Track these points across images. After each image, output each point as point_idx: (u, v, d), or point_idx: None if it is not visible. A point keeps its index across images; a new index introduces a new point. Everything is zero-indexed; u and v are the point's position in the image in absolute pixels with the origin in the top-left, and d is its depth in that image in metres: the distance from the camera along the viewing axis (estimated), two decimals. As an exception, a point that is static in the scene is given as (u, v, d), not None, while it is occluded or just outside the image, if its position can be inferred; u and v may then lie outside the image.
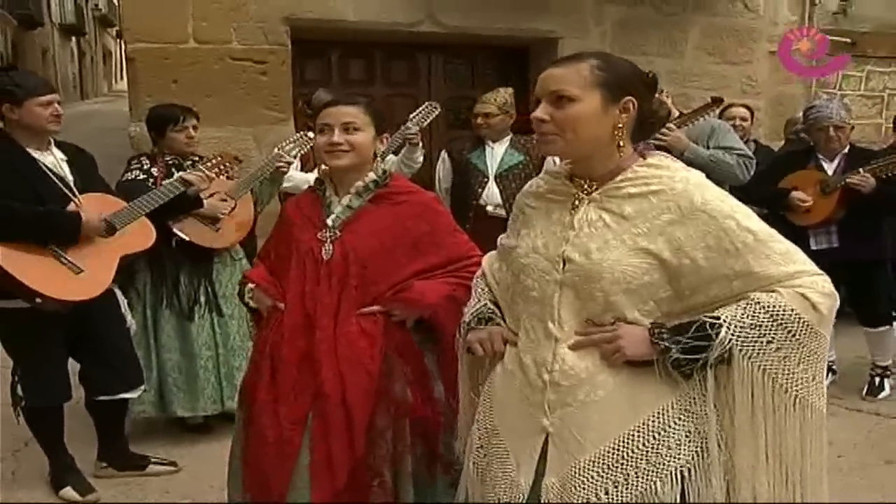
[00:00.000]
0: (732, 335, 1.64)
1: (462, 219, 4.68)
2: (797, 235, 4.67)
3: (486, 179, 4.78)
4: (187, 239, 4.04)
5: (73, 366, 3.60)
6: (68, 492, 3.57)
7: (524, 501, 1.83)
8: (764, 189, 4.87)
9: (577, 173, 1.86)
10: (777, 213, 4.94)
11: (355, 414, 2.32)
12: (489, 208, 4.76)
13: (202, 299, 4.15)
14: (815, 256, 4.53)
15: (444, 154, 5.10)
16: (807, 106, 5.34)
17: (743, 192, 4.70)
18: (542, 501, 1.80)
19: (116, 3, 32.46)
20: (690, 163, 4.23)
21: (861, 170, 4.57)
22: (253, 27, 5.60)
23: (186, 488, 3.70)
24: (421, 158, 4.77)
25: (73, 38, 30.43)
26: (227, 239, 4.19)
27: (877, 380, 4.92)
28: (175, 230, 3.99)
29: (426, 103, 4.65)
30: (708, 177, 4.72)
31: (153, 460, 3.86)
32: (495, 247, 2.11)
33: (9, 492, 3.68)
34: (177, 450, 4.07)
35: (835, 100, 5.21)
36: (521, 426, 1.86)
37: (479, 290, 2.11)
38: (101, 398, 3.61)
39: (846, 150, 4.82)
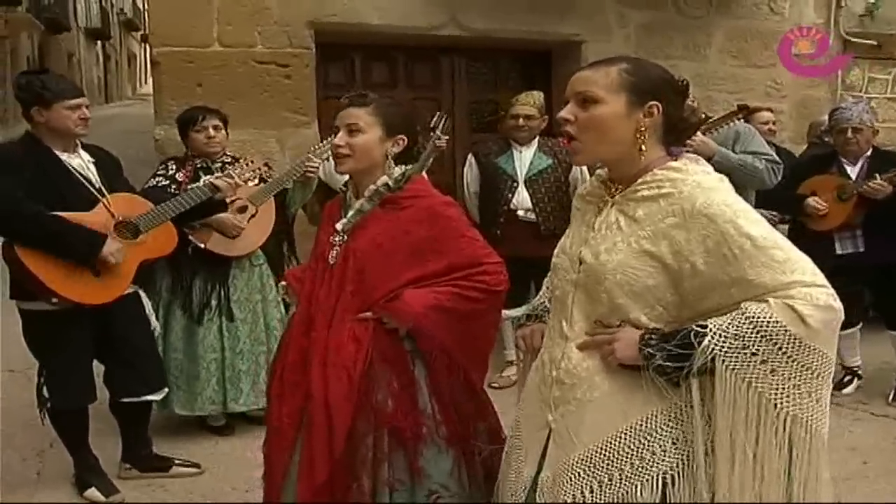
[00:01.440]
0: (715, 345, 1.61)
1: (492, 223, 4.68)
2: (821, 240, 4.67)
3: (515, 184, 4.76)
4: (203, 247, 4.08)
5: (97, 367, 3.63)
6: (92, 493, 3.60)
7: (525, 493, 1.89)
8: (783, 193, 4.85)
9: (610, 176, 1.88)
10: (795, 218, 4.94)
11: (335, 417, 2.32)
12: (520, 213, 4.74)
13: (213, 303, 4.19)
14: (840, 261, 4.50)
15: (470, 158, 5.08)
16: (832, 108, 5.31)
17: (765, 197, 4.70)
18: (537, 494, 1.85)
19: (141, 8, 32.88)
20: (719, 167, 4.24)
21: (878, 176, 4.54)
22: (277, 31, 5.62)
23: (209, 490, 3.72)
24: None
25: (99, 42, 30.78)
26: (244, 246, 4.22)
27: (903, 385, 4.87)
28: (191, 238, 4.02)
29: (436, 115, 4.62)
30: (736, 181, 4.72)
31: (176, 462, 3.88)
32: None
33: (33, 492, 3.71)
34: (200, 451, 4.10)
35: (861, 103, 5.16)
36: (534, 420, 1.92)
37: (545, 288, 2.17)
38: (125, 400, 3.64)
39: (869, 154, 4.79)
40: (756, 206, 4.99)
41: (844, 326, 5.03)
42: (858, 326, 4.89)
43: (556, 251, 1.95)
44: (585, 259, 1.80)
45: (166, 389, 3.84)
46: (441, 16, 5.97)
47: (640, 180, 1.78)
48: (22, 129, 3.53)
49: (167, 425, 4.31)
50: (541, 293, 2.17)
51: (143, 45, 36.35)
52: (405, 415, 2.37)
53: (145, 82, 36.45)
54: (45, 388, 3.51)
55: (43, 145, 3.37)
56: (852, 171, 4.78)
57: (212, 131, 4.21)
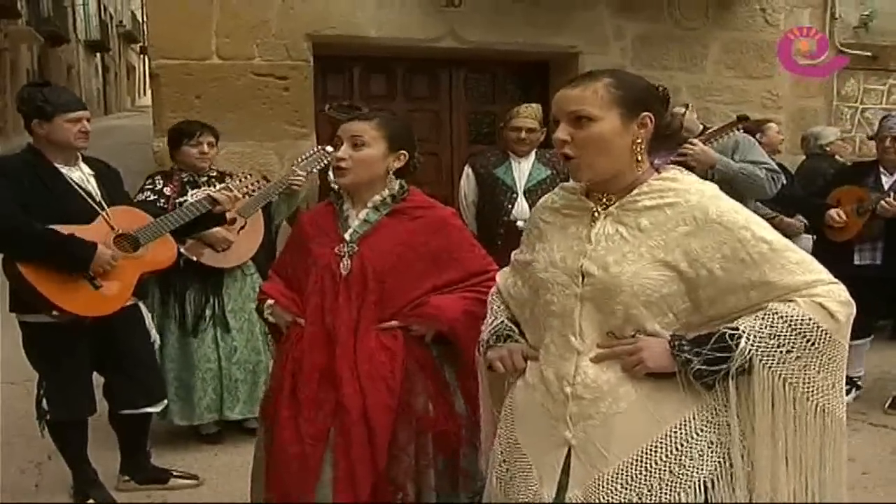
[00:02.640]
0: (752, 345, 1.66)
1: (492, 234, 4.69)
2: (841, 249, 4.68)
3: (515, 195, 4.76)
4: (195, 259, 4.10)
5: (97, 379, 3.63)
6: (91, 504, 3.59)
7: None
8: (812, 200, 4.90)
9: (594, 188, 1.88)
10: (815, 225, 4.98)
11: (376, 429, 2.32)
12: (519, 223, 4.72)
13: (207, 314, 4.21)
14: (857, 271, 4.49)
15: (467, 169, 5.08)
16: (882, 116, 5.32)
17: (792, 201, 4.75)
18: None
19: (141, 20, 32.99)
20: (721, 176, 4.26)
21: (893, 193, 4.56)
22: (275, 43, 5.65)
23: (208, 501, 3.70)
24: None
25: (98, 55, 30.86)
26: (236, 258, 4.24)
27: (902, 394, 4.89)
28: (182, 251, 4.02)
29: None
30: (737, 190, 4.69)
31: (175, 474, 3.88)
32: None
33: (32, 504, 3.71)
34: (198, 463, 4.09)
35: None
36: (543, 440, 1.87)
37: (496, 307, 2.14)
38: (125, 412, 3.64)
39: None
40: (779, 212, 5.10)
41: (857, 337, 5.02)
42: (870, 338, 4.88)
43: (539, 266, 1.92)
44: (591, 272, 1.78)
45: (166, 401, 3.84)
46: (439, 28, 6.01)
47: (636, 191, 1.79)
48: (22, 140, 3.54)
49: (166, 437, 4.31)
50: (494, 314, 2.12)
51: (142, 57, 36.42)
52: (446, 419, 2.41)
53: (144, 94, 36.50)
54: (44, 400, 3.50)
55: (43, 158, 3.38)
56: (887, 182, 4.78)
57: (206, 147, 4.25)
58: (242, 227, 4.22)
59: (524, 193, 4.76)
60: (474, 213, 4.99)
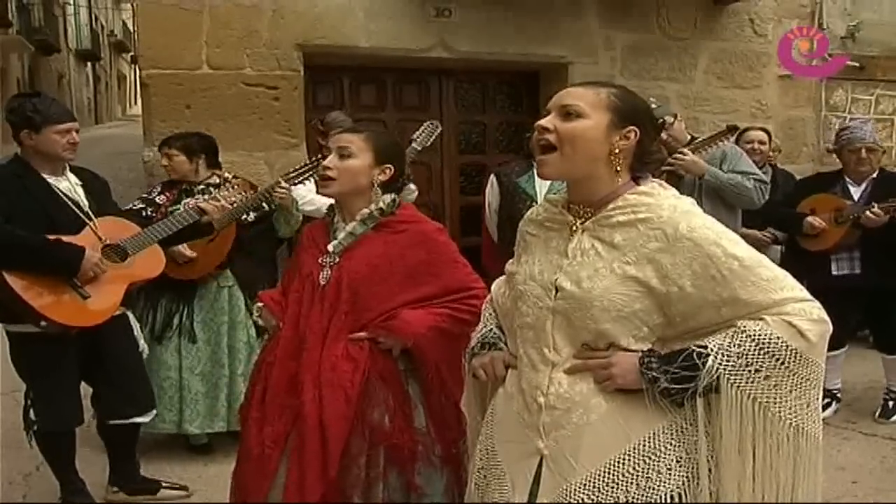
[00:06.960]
0: (719, 364, 1.65)
1: (511, 242, 4.68)
2: (818, 260, 4.68)
3: (534, 204, 4.76)
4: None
5: (85, 389, 3.62)
6: (79, 516, 3.57)
7: None
8: (783, 210, 4.89)
9: (573, 199, 1.89)
10: (790, 235, 4.95)
11: (330, 438, 2.33)
12: None
13: (175, 322, 4.21)
14: (835, 281, 4.50)
15: (492, 178, 5.08)
16: (840, 127, 5.31)
17: (763, 212, 4.73)
18: None
19: (132, 30, 32.92)
20: (710, 186, 4.27)
21: (875, 205, 4.54)
22: (266, 53, 5.65)
23: (197, 512, 3.70)
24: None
25: (89, 64, 30.85)
26: (200, 269, 4.22)
27: (890, 403, 4.89)
28: None
29: (427, 123, 4.62)
30: (726, 200, 4.66)
31: (164, 484, 3.86)
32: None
33: (20, 515, 3.69)
34: (188, 473, 4.08)
35: (869, 122, 5.19)
36: (518, 448, 1.88)
37: (487, 314, 2.15)
38: (113, 422, 3.63)
39: (874, 175, 4.79)
40: (755, 224, 5.04)
41: (832, 348, 4.98)
42: (845, 349, 4.87)
43: (520, 278, 1.93)
44: (564, 286, 1.79)
45: (154, 411, 3.82)
46: (429, 38, 6.02)
47: (612, 205, 1.80)
48: (10, 150, 3.53)
49: (155, 447, 4.29)
50: (485, 321, 2.14)
51: (132, 66, 36.39)
52: (402, 432, 2.40)
53: (135, 103, 36.42)
54: (31, 411, 3.49)
55: (31, 168, 3.38)
56: (856, 192, 4.77)
57: (164, 160, 4.35)
58: (212, 239, 4.16)
59: (544, 203, 4.76)
60: (496, 222, 5.00)
